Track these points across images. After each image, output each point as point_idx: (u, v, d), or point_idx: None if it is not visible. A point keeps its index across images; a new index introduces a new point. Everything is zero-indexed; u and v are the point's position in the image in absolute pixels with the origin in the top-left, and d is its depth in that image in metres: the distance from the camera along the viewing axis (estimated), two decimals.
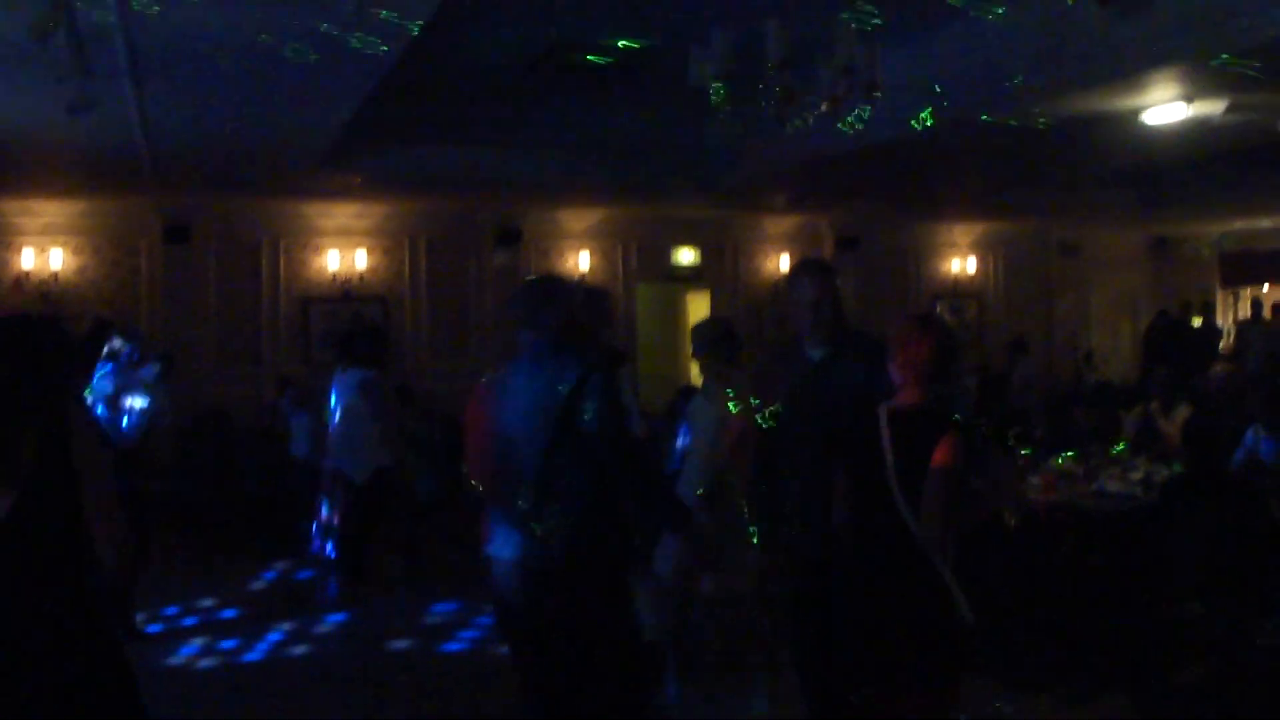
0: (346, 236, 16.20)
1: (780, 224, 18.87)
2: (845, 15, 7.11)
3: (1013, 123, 10.19)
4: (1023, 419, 10.74)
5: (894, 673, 4.52)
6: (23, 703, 3.78)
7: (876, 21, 7.77)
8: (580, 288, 7.88)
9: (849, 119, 7.76)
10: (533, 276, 7.46)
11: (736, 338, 7.24)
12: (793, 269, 5.85)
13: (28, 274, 14.69)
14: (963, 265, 20.53)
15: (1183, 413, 10.06)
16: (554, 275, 8.18)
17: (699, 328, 7.49)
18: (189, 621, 9.21)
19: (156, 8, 6.69)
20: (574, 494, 4.58)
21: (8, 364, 3.89)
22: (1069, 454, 9.24)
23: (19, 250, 14.72)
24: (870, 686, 4.61)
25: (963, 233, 20.51)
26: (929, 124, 9.64)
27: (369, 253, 16.23)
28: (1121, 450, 9.48)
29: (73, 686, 3.85)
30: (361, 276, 16.08)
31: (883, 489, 4.47)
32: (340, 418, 9.63)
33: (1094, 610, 7.64)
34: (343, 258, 16.07)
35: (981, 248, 20.78)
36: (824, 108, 7.30)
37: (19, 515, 3.72)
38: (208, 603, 9.73)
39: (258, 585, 10.41)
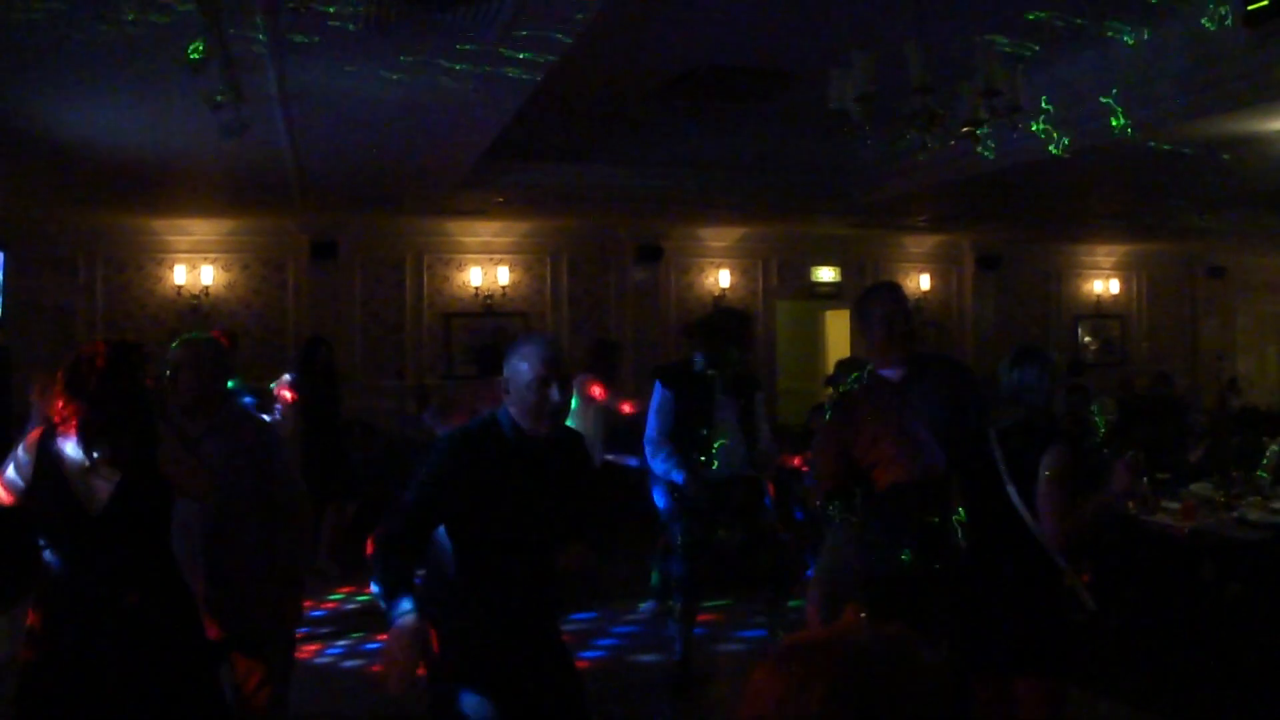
0: (488, 253, 16.46)
1: (921, 243, 18.80)
2: (988, 37, 7.11)
3: (1164, 146, 10.10)
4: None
5: (1010, 660, 4.83)
6: (110, 661, 4.39)
7: (1033, 48, 7.79)
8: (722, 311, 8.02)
9: (990, 142, 7.75)
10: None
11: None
12: (864, 292, 5.84)
13: (179, 289, 15.19)
14: (1105, 286, 20.26)
15: None
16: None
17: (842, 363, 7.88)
18: (333, 624, 9.46)
19: (306, 38, 6.93)
20: None
21: (125, 381, 4.51)
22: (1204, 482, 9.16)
23: (171, 267, 15.25)
24: (985, 673, 4.91)
25: (1106, 254, 20.25)
26: (1065, 149, 9.59)
27: (510, 269, 16.46)
28: (1262, 477, 9.32)
29: (158, 647, 4.49)
30: (504, 292, 16.30)
31: (1002, 499, 4.84)
32: None
33: (1228, 637, 7.57)
34: (485, 273, 16.33)
35: (1125, 269, 20.50)
36: (965, 130, 7.30)
37: (124, 489, 4.43)
38: (351, 607, 10.01)
39: None
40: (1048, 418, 5.01)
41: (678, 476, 7.33)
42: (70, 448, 4.44)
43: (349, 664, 8.44)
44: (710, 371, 7.50)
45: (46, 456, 4.46)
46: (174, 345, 5.48)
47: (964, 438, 5.13)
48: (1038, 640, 4.75)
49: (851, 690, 1.63)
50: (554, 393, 4.08)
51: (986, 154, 7.58)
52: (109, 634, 4.38)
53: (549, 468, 4.21)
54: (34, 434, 4.56)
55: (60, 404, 4.47)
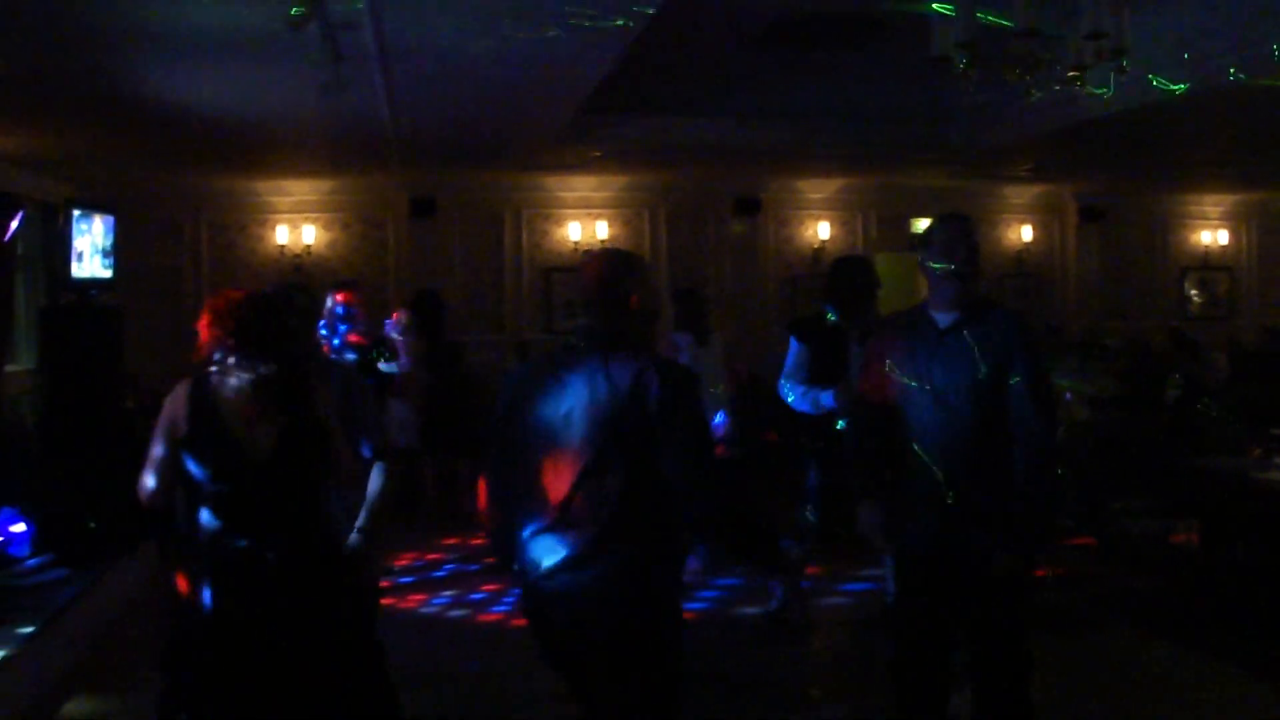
0: (587, 208, 16.51)
1: (1022, 194, 18.51)
2: None
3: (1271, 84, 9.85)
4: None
5: None
6: (265, 610, 4.24)
7: None
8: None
9: (1096, 86, 7.60)
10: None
11: None
12: (931, 222, 5.45)
13: (282, 248, 15.45)
14: (1214, 237, 19.81)
15: None
16: None
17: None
18: (440, 574, 9.62)
19: None
20: None
21: (281, 325, 4.42)
22: None
23: (274, 227, 15.53)
24: None
25: (1214, 203, 19.79)
26: (1179, 91, 9.37)
27: (609, 223, 16.48)
28: None
29: (311, 603, 4.32)
30: (602, 245, 16.25)
31: None
32: None
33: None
34: (583, 228, 16.37)
35: (1234, 219, 20.02)
36: (1070, 75, 7.15)
37: (284, 444, 4.26)
38: (457, 557, 10.19)
39: None
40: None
41: (826, 399, 7.05)
42: (230, 393, 4.25)
43: (454, 614, 8.53)
44: (842, 323, 7.34)
45: (204, 404, 4.26)
46: None
47: (990, 396, 4.79)
48: None
49: None
50: None
51: (1100, 91, 7.31)
52: (264, 589, 4.21)
53: None
54: (183, 386, 4.34)
55: (219, 345, 4.27)
